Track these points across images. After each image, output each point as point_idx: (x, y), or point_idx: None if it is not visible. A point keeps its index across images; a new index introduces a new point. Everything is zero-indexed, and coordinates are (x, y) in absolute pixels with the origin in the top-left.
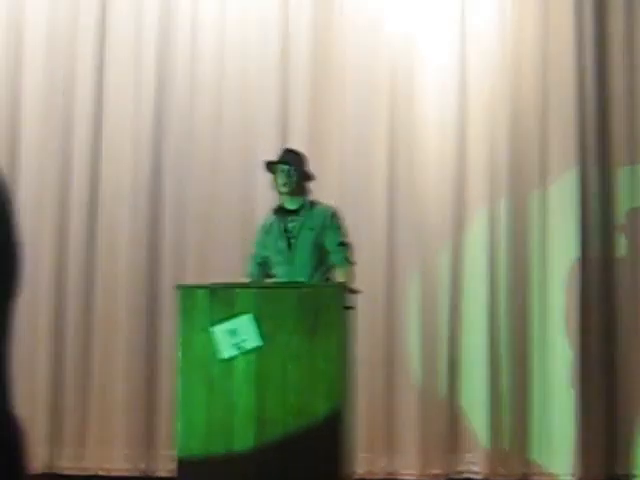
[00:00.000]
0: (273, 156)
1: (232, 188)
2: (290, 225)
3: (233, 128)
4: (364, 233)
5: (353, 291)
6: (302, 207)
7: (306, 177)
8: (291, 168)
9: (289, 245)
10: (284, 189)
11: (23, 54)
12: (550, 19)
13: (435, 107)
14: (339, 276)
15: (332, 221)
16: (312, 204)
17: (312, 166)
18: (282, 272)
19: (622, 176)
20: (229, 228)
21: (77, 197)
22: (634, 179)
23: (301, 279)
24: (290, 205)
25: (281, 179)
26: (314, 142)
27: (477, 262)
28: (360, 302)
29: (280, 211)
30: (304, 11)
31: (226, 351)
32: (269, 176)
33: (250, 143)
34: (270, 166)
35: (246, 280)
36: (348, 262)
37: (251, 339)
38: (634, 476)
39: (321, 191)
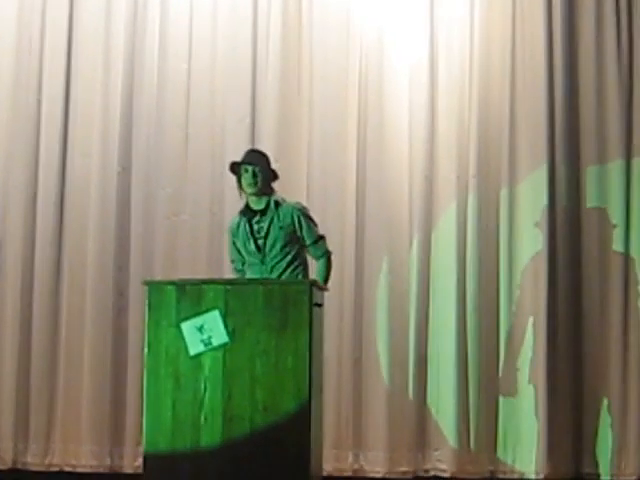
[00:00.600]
0: (242, 153)
1: (200, 185)
2: (257, 226)
3: (201, 126)
4: (333, 231)
5: (322, 288)
6: (268, 207)
7: (271, 176)
8: (256, 168)
9: (257, 246)
10: (250, 189)
11: None
12: (520, 16)
13: (404, 104)
14: (322, 269)
15: (302, 220)
16: (278, 203)
17: (281, 164)
18: (254, 273)
19: (591, 175)
20: (197, 225)
21: (44, 193)
22: (602, 178)
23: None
24: (256, 205)
25: (246, 180)
26: (283, 139)
27: (446, 260)
28: (329, 299)
29: (247, 212)
30: (273, 8)
31: (193, 347)
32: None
33: (218, 141)
34: (235, 167)
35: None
36: (328, 254)
37: (218, 336)
38: (599, 475)
39: (290, 189)
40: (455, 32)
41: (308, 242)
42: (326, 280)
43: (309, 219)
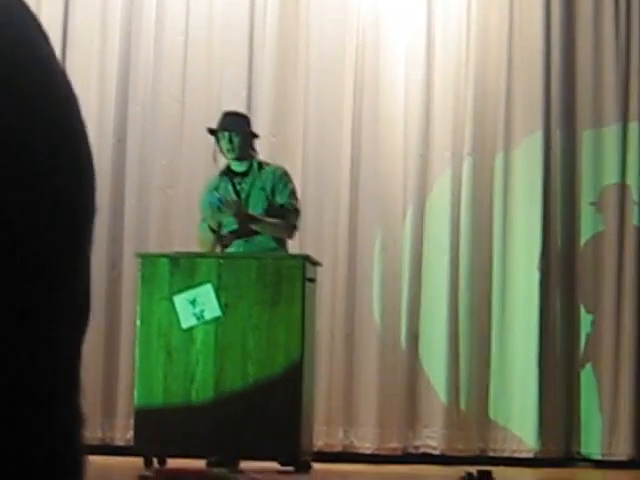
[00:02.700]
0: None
1: (196, 158)
2: (239, 187)
3: (198, 99)
4: (327, 206)
5: (315, 263)
6: (251, 168)
7: (250, 138)
8: (232, 133)
9: None
10: (230, 155)
11: None
12: None
13: (401, 74)
14: (278, 227)
15: (282, 180)
16: (260, 165)
17: (277, 138)
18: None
19: (586, 139)
20: (192, 197)
21: None
22: (598, 142)
23: (258, 243)
24: (238, 168)
25: (224, 146)
26: (279, 113)
27: (440, 230)
28: (322, 274)
29: (228, 173)
30: None
31: (186, 321)
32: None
33: (214, 114)
34: (213, 132)
35: (200, 247)
36: (290, 227)
37: (211, 309)
38: (589, 455)
39: (285, 163)
40: (452, 8)
41: (279, 201)
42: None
43: (289, 182)
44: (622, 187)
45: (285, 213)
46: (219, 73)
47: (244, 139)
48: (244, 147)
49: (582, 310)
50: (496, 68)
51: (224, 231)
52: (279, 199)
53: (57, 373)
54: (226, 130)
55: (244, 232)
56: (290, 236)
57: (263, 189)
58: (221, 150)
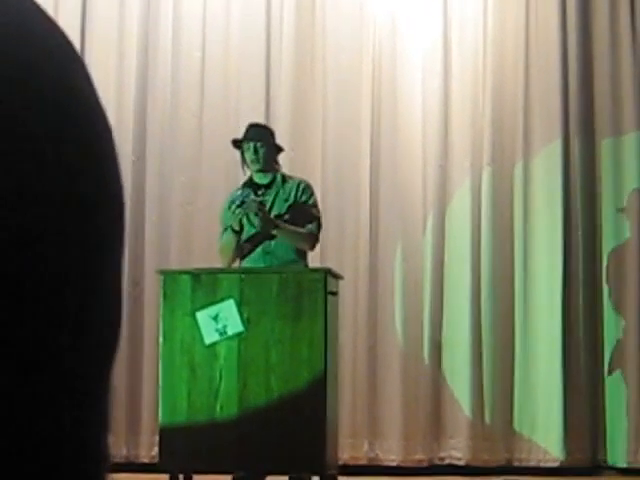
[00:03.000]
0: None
1: (215, 173)
2: (262, 199)
3: (216, 114)
4: (348, 219)
5: (337, 276)
6: (274, 181)
7: (275, 151)
8: (257, 144)
9: None
10: (254, 166)
11: None
12: None
13: (417, 90)
14: (302, 238)
15: (307, 191)
16: (284, 178)
17: (295, 152)
18: (259, 249)
19: (605, 147)
20: (212, 213)
21: None
22: (617, 150)
23: (279, 256)
24: (262, 180)
25: (249, 156)
26: (297, 127)
27: (460, 240)
28: (343, 287)
29: (251, 185)
30: None
31: (208, 337)
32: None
33: (232, 129)
34: (237, 144)
35: (220, 255)
36: (312, 235)
37: (233, 325)
38: (615, 464)
39: (305, 177)
40: (468, 16)
41: (302, 212)
42: (302, 241)
43: (313, 194)
44: None
45: (307, 221)
46: (236, 88)
47: (269, 151)
48: (269, 159)
49: (605, 317)
50: (513, 77)
51: (243, 239)
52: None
53: (86, 427)
54: (251, 141)
55: (265, 235)
56: (311, 246)
57: (286, 200)
58: (245, 162)
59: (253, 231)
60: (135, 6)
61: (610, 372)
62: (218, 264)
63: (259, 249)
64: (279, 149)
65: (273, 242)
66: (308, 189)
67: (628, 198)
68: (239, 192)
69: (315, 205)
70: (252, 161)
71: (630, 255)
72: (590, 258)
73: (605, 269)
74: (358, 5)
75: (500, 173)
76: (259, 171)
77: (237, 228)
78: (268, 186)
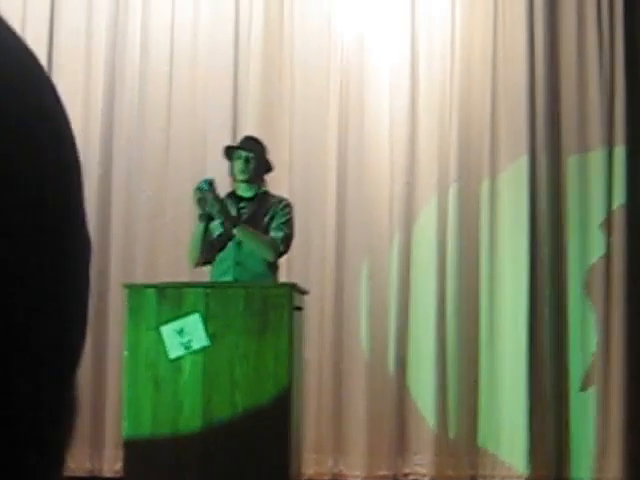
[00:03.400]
0: (221, 157)
1: (182, 187)
2: (242, 211)
3: (183, 129)
4: (314, 235)
5: (302, 292)
6: (256, 195)
7: (264, 167)
8: (249, 154)
9: None
10: (241, 176)
11: None
12: (501, 12)
13: (385, 101)
14: (269, 246)
15: (285, 209)
16: (267, 194)
17: None
18: (228, 259)
19: (572, 164)
20: (179, 227)
21: None
22: (584, 166)
23: (250, 268)
24: (245, 193)
25: (237, 166)
26: (264, 141)
27: (427, 257)
28: (309, 302)
29: (233, 197)
30: (255, 10)
31: (173, 351)
32: (227, 163)
33: (200, 144)
34: (229, 152)
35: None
36: (278, 250)
37: (198, 339)
38: (580, 479)
39: (270, 186)
40: (436, 32)
41: (274, 224)
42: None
43: (290, 213)
44: (609, 211)
45: (276, 234)
46: (204, 102)
47: (258, 165)
48: (257, 173)
49: (571, 333)
50: (480, 94)
51: (212, 238)
52: (276, 220)
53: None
54: (244, 151)
55: (227, 236)
56: (273, 255)
57: (265, 215)
58: (232, 171)
59: (220, 230)
60: (102, 19)
61: (583, 388)
62: (185, 278)
63: (230, 261)
64: (269, 167)
65: (243, 252)
66: (287, 207)
67: (597, 215)
68: (224, 201)
69: (288, 222)
70: (241, 171)
71: (598, 271)
72: (556, 275)
73: (572, 286)
74: (326, 21)
75: (467, 190)
76: (245, 182)
77: (200, 211)
78: (250, 200)
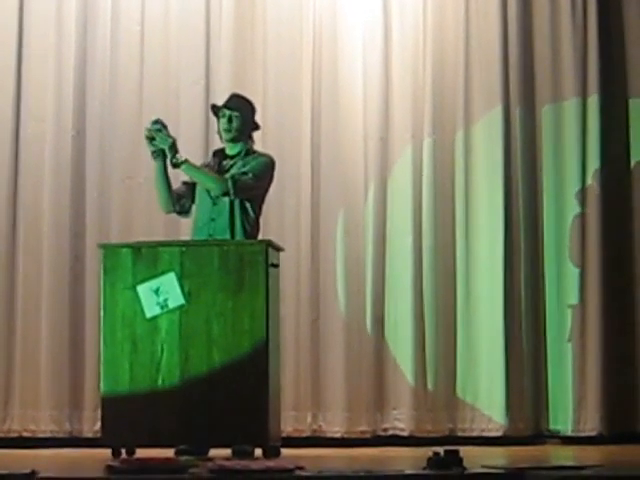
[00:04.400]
0: (196, 115)
1: None
2: (224, 168)
3: (155, 89)
4: (289, 191)
5: (278, 249)
6: (240, 153)
7: (250, 125)
8: (233, 113)
9: None
10: (225, 135)
11: None
12: None
13: (359, 56)
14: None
15: (256, 159)
16: (249, 151)
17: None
18: (204, 214)
19: (546, 114)
20: (153, 187)
21: None
22: (558, 117)
23: (221, 225)
24: (230, 150)
25: (222, 124)
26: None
27: (402, 212)
28: (285, 260)
29: (219, 154)
30: None
31: (150, 310)
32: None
33: (173, 104)
34: (215, 110)
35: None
36: (224, 182)
37: (174, 298)
38: (558, 432)
39: None
40: None
41: (242, 169)
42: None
43: (263, 165)
44: (583, 161)
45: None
46: (176, 62)
47: (243, 123)
48: (241, 130)
49: (547, 284)
50: (454, 47)
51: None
52: (247, 165)
53: None
54: (228, 109)
55: (173, 165)
56: (218, 191)
57: (239, 169)
58: (219, 130)
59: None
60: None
61: (570, 339)
62: (160, 238)
63: (205, 216)
64: (256, 126)
65: (217, 209)
66: (264, 161)
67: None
68: (208, 160)
69: (253, 169)
70: (224, 129)
71: (575, 225)
72: (531, 227)
73: (547, 238)
74: None
75: (441, 143)
76: (229, 141)
77: (151, 149)
78: (235, 157)
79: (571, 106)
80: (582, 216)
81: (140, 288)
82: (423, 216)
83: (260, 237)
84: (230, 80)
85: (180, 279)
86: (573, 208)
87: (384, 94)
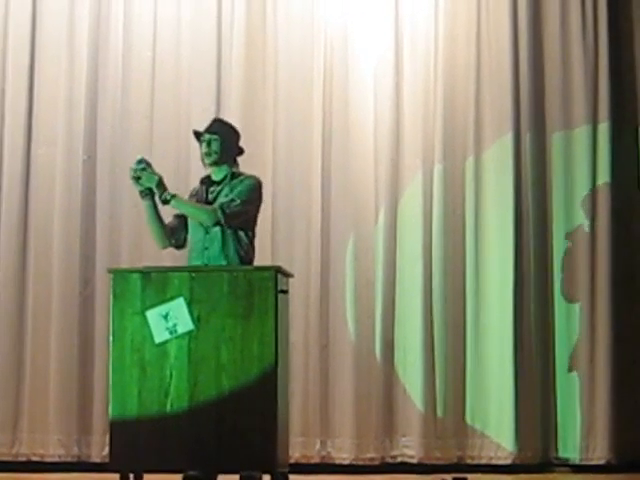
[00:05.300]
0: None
1: (166, 173)
2: (211, 196)
3: (166, 114)
4: (298, 216)
5: (287, 274)
6: (225, 178)
7: (233, 148)
8: (212, 137)
9: None
10: (206, 159)
11: None
12: None
13: (370, 80)
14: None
15: (242, 184)
16: (234, 175)
17: (246, 153)
18: (197, 243)
19: (556, 141)
20: (163, 213)
21: (9, 182)
22: (568, 144)
23: (214, 254)
24: (216, 176)
25: (203, 149)
26: (248, 129)
27: (412, 236)
28: (295, 286)
29: (206, 181)
30: None
31: (159, 335)
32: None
33: (184, 130)
34: (197, 135)
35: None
36: (214, 213)
37: (183, 323)
38: (567, 460)
39: (255, 169)
40: (421, 14)
41: (230, 196)
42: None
43: (250, 189)
44: (593, 187)
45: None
46: (187, 88)
47: (224, 146)
48: (222, 154)
49: (557, 313)
50: (465, 73)
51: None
52: (233, 190)
53: None
54: (208, 132)
55: (162, 201)
56: (210, 222)
57: (227, 196)
58: (201, 156)
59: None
60: (85, 7)
61: (570, 370)
62: (169, 263)
63: (199, 245)
64: (240, 151)
65: (209, 237)
66: (246, 180)
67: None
68: (196, 188)
69: (241, 193)
70: (205, 153)
71: (582, 248)
72: (541, 253)
73: (557, 264)
74: (310, 10)
75: (452, 168)
76: (212, 164)
77: (139, 189)
78: (220, 183)
79: (582, 133)
80: (591, 243)
81: (149, 313)
82: (433, 242)
83: (270, 263)
84: (241, 106)
85: (189, 304)
86: (583, 236)
87: (395, 120)
